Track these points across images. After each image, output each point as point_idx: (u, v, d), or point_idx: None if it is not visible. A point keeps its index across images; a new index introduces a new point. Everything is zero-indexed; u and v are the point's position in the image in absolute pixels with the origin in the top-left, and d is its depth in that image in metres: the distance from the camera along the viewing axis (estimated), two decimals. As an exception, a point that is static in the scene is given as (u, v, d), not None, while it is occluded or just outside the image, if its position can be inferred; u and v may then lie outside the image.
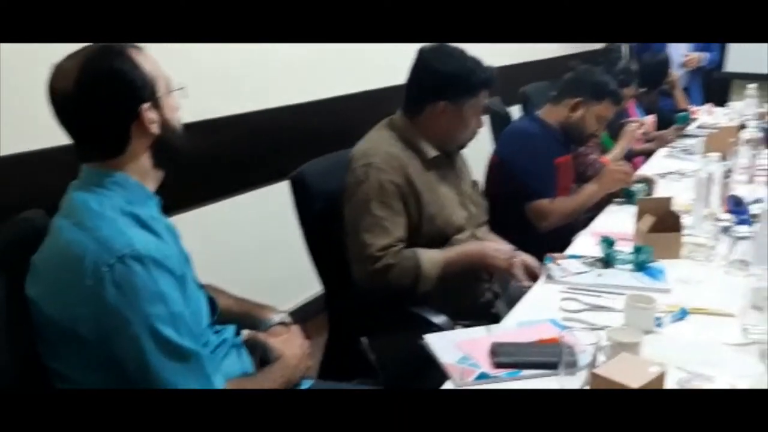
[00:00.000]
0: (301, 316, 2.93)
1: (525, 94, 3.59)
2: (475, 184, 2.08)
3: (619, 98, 2.52)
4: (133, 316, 1.05)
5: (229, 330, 1.35)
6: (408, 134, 1.84)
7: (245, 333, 1.38)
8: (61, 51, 1.15)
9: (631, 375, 1.16)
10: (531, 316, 1.60)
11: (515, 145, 2.41)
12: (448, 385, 1.32)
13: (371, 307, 1.80)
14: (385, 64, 3.38)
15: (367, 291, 1.75)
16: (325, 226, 1.85)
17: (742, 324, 1.49)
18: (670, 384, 1.23)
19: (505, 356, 1.37)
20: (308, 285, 2.18)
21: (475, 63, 1.82)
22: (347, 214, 1.78)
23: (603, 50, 3.68)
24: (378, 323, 1.82)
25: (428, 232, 1.81)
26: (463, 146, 1.96)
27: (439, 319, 1.69)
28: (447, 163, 1.92)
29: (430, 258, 1.75)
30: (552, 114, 2.47)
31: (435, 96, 1.80)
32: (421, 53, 1.83)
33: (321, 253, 1.88)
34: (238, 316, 1.45)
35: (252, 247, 2.82)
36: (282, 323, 1.47)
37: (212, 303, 1.33)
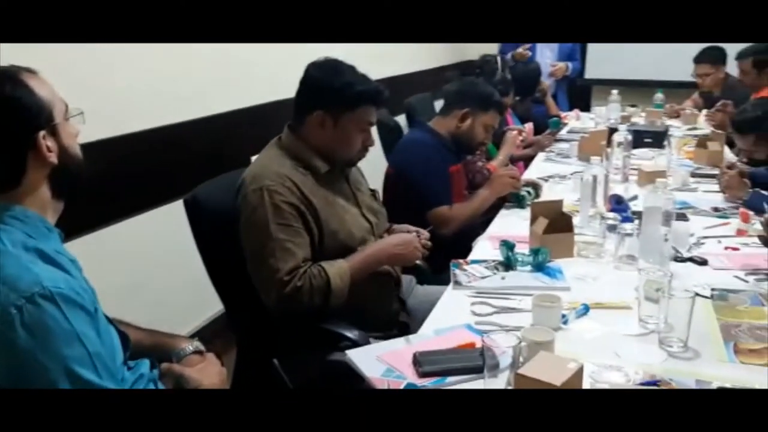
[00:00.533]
0: (208, 334, 2.87)
1: (409, 105, 3.67)
2: (373, 192, 2.08)
3: (502, 107, 2.64)
4: (48, 360, 0.96)
5: (144, 365, 1.27)
6: (297, 151, 1.81)
7: (162, 366, 1.31)
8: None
9: (552, 372, 1.22)
10: (445, 322, 1.63)
11: (411, 155, 2.46)
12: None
13: (281, 327, 1.76)
14: (282, 77, 3.36)
15: (281, 315, 1.71)
16: (223, 247, 1.79)
17: (639, 315, 1.60)
18: (585, 377, 1.30)
19: (429, 365, 1.39)
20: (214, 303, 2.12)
21: (357, 77, 1.81)
22: (247, 241, 1.74)
23: (480, 61, 3.83)
24: (289, 342, 1.78)
25: (332, 247, 1.79)
26: (352, 163, 1.94)
27: (352, 333, 1.69)
28: (340, 176, 1.92)
29: (338, 271, 1.73)
30: (442, 124, 2.55)
31: (313, 106, 1.79)
32: (308, 66, 1.83)
33: (220, 273, 1.83)
34: (150, 349, 1.37)
35: (151, 269, 2.72)
36: (197, 352, 1.40)
37: (124, 337, 1.25)
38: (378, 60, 4.53)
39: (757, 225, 2.13)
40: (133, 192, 2.59)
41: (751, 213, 2.22)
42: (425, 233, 1.96)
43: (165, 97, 2.73)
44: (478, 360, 1.34)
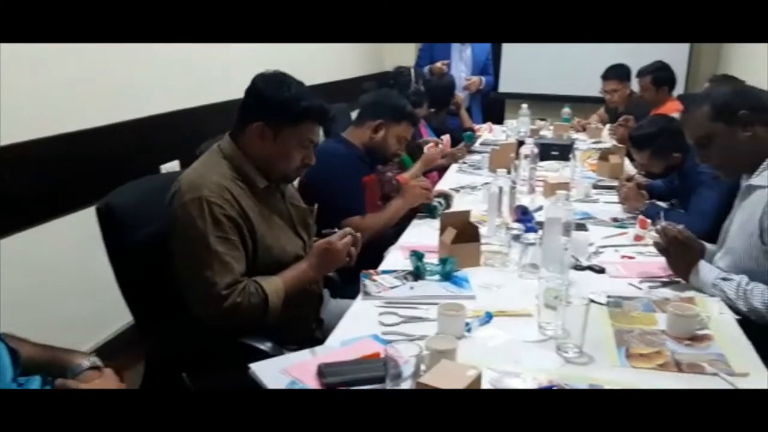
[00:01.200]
0: (114, 348, 2.78)
1: (325, 116, 3.66)
2: (310, 209, 2.07)
3: (415, 119, 2.68)
4: None
5: (35, 381, 1.22)
6: (237, 161, 1.78)
7: (57, 382, 1.25)
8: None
9: (451, 380, 1.25)
10: (352, 333, 1.63)
11: (323, 166, 2.43)
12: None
13: (194, 340, 1.72)
14: (194, 85, 3.31)
15: (217, 329, 1.68)
16: (138, 256, 1.74)
17: (538, 322, 1.66)
18: (485, 384, 1.34)
19: (332, 376, 1.39)
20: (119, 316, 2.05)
21: (303, 93, 1.80)
22: (182, 252, 1.69)
23: (394, 73, 3.88)
24: (200, 355, 1.74)
25: (265, 263, 1.77)
26: (288, 179, 1.93)
27: (265, 345, 1.67)
28: (276, 192, 1.90)
29: (275, 288, 1.72)
30: (356, 135, 2.57)
31: (254, 116, 1.77)
32: (255, 78, 1.81)
33: (132, 284, 1.77)
34: (45, 365, 1.31)
35: (52, 281, 2.62)
36: (94, 367, 1.35)
37: (14, 354, 1.19)
38: (296, 68, 4.52)
39: (653, 232, 2.23)
40: (31, 202, 2.48)
41: (648, 220, 2.34)
42: (351, 232, 1.90)
43: (65, 104, 2.64)
44: (381, 370, 1.35)
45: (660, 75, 4.05)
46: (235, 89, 1.95)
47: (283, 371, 1.43)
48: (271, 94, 1.77)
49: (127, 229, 1.74)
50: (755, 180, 1.85)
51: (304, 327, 1.93)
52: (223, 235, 1.67)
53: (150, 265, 1.73)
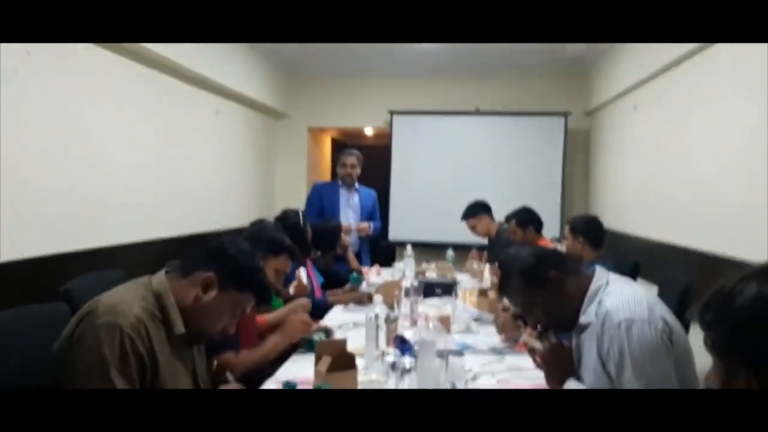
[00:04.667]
0: None
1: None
2: (211, 364, 2.02)
3: (294, 253, 2.69)
4: None
5: None
6: (164, 300, 1.73)
7: None
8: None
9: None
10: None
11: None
12: None
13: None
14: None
15: None
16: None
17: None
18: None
19: None
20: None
21: (260, 270, 1.89)
22: (74, 373, 1.58)
23: (281, 215, 3.91)
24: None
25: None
26: (203, 338, 1.90)
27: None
28: (187, 343, 1.85)
29: None
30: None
31: (207, 266, 1.77)
32: (225, 239, 1.89)
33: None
34: None
35: None
36: None
37: None
38: (183, 210, 4.54)
39: (534, 339, 2.25)
40: None
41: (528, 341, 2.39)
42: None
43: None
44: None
45: (523, 217, 4.37)
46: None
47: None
48: (235, 257, 1.82)
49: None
50: (583, 319, 1.94)
51: None
52: (125, 370, 1.59)
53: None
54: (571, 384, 1.95)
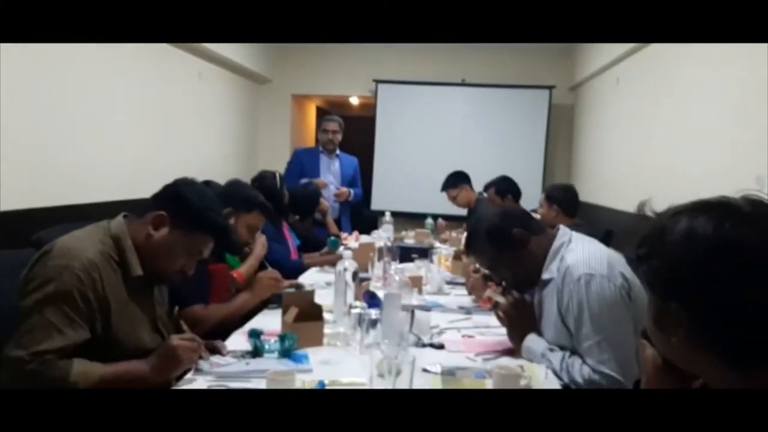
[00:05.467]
0: None
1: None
2: (171, 309, 2.02)
3: (268, 210, 2.70)
4: None
5: None
6: (121, 243, 1.74)
7: None
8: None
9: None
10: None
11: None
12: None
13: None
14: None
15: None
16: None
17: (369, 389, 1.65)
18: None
19: None
20: None
21: (214, 208, 1.85)
22: (22, 303, 1.61)
23: (258, 176, 3.90)
24: None
25: (114, 352, 1.68)
26: (162, 280, 1.89)
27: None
28: (147, 286, 1.85)
29: (85, 372, 1.60)
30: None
31: (160, 205, 1.78)
32: (178, 179, 1.86)
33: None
34: None
35: None
36: None
37: None
38: (165, 172, 4.53)
39: (497, 295, 2.28)
40: None
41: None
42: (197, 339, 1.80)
43: None
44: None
45: (501, 186, 4.42)
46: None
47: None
48: (187, 196, 1.81)
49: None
50: (545, 275, 1.99)
51: None
52: (65, 309, 1.60)
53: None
54: (531, 338, 1.99)
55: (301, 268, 3.59)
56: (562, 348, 1.92)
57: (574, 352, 1.89)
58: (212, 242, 1.87)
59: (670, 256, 0.92)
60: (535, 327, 2.04)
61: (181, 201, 1.80)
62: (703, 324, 0.89)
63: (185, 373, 1.78)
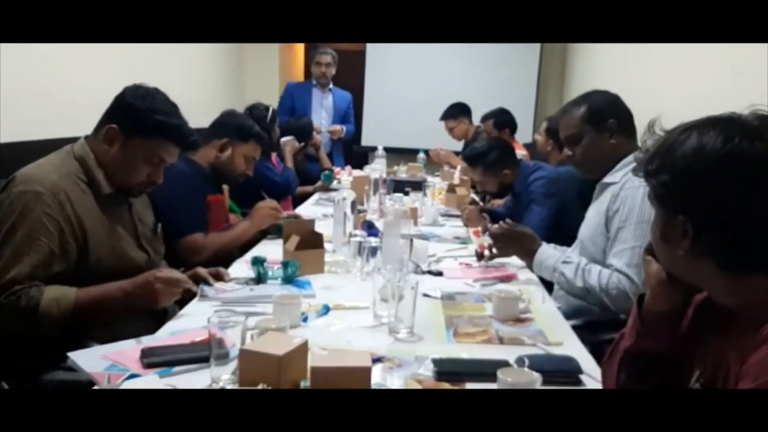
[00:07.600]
0: None
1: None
2: (155, 227, 2.01)
3: (263, 140, 2.69)
4: None
5: None
6: (87, 165, 1.72)
7: None
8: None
9: (275, 346, 1.24)
10: (183, 327, 1.59)
11: (165, 184, 2.39)
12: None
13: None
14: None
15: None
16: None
17: (373, 312, 1.70)
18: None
19: (155, 357, 1.34)
20: None
21: (165, 109, 1.78)
22: None
23: (249, 108, 3.85)
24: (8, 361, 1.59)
25: (94, 273, 1.67)
26: (132, 193, 1.85)
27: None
28: (123, 203, 1.84)
29: (58, 296, 1.59)
30: (202, 154, 2.52)
31: (110, 118, 1.75)
32: (126, 86, 1.79)
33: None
34: None
35: None
36: None
37: None
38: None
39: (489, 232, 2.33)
40: None
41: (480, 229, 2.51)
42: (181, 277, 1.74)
43: None
44: (206, 350, 1.32)
45: (500, 119, 4.40)
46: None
47: (104, 357, 1.36)
48: (131, 102, 1.75)
49: None
50: (607, 178, 2.00)
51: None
52: (35, 234, 1.58)
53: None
54: (542, 252, 2.02)
55: (293, 184, 3.62)
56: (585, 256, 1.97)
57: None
58: (171, 145, 1.81)
59: (680, 170, 0.94)
60: (535, 240, 2.07)
61: (127, 109, 1.75)
62: (708, 234, 0.93)
63: (190, 299, 1.81)
